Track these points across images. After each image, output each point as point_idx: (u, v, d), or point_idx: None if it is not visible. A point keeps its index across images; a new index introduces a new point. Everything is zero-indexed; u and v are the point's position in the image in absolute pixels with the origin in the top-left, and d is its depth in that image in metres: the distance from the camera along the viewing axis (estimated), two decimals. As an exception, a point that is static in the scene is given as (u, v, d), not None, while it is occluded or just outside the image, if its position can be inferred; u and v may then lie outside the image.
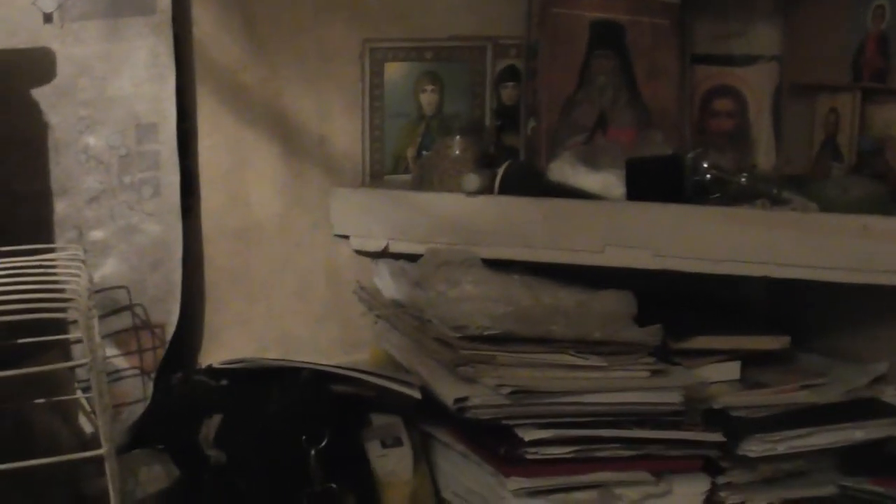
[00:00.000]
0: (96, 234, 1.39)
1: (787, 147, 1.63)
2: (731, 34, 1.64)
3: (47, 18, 1.35)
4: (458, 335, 1.27)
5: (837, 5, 1.55)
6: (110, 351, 1.39)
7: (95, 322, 0.98)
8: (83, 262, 1.19)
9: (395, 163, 1.55)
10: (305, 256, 1.51)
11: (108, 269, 1.39)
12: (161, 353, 1.41)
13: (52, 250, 1.24)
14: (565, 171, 1.47)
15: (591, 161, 1.47)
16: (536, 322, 1.30)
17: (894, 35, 1.44)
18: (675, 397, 1.29)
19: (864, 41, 1.49)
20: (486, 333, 1.26)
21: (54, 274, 1.13)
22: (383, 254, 1.48)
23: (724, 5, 1.64)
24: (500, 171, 1.45)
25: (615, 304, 1.37)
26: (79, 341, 1.29)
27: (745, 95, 1.64)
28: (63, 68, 1.36)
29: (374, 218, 1.48)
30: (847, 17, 1.52)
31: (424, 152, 1.55)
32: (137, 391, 1.40)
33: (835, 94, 1.54)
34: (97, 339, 0.97)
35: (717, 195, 1.46)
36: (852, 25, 1.51)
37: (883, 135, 1.48)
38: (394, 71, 1.52)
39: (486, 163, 1.49)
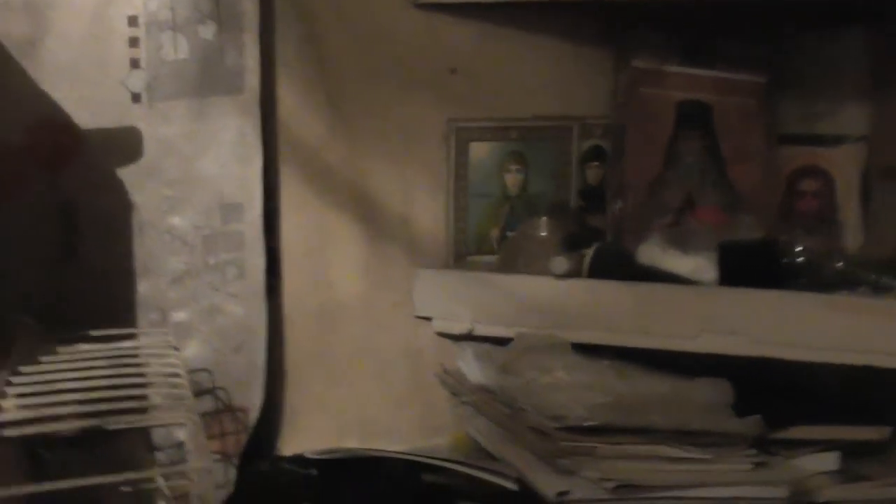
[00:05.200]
0: (179, 316, 1.36)
1: (876, 229, 1.59)
2: (819, 114, 1.62)
3: (135, 98, 1.33)
4: (557, 426, 1.23)
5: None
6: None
7: (200, 425, 0.94)
8: (176, 348, 1.16)
9: (479, 243, 1.52)
10: (387, 338, 1.47)
11: (191, 352, 1.36)
12: (244, 437, 1.37)
13: (135, 336, 1.22)
14: (655, 253, 1.44)
15: (681, 243, 1.44)
16: (635, 412, 1.26)
17: None
18: (781, 491, 1.24)
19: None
20: (585, 424, 1.22)
21: (150, 365, 1.10)
22: (467, 337, 1.45)
23: (811, 85, 1.62)
24: (590, 254, 1.43)
25: (713, 393, 1.33)
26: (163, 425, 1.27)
27: (832, 176, 1.60)
28: (149, 148, 1.34)
29: (459, 300, 1.45)
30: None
31: (509, 233, 1.52)
32: (219, 477, 1.36)
33: (928, 176, 1.51)
34: (205, 441, 0.93)
35: (810, 280, 1.44)
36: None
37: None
38: (478, 151, 1.50)
39: (572, 244, 1.46)
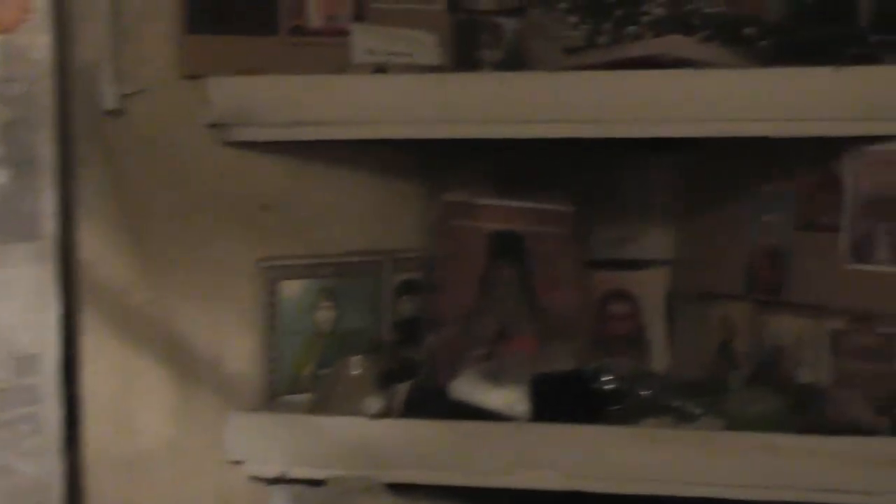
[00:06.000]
0: (-35, 480, 1.28)
1: (681, 351, 1.65)
2: (627, 239, 1.67)
3: (-81, 249, 1.27)
4: (369, 580, 1.21)
5: (726, 217, 1.59)
6: None
7: None
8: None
9: (293, 383, 1.49)
10: (198, 484, 1.42)
11: (-23, 518, 1.28)
12: None
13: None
14: (468, 388, 1.44)
15: (494, 377, 1.45)
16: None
17: (786, 248, 1.48)
18: None
19: (756, 253, 1.52)
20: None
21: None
22: (281, 480, 1.42)
23: (617, 211, 1.67)
24: (403, 392, 1.42)
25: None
26: None
27: (638, 299, 1.65)
28: (-66, 302, 1.28)
29: (272, 442, 1.42)
30: (737, 229, 1.56)
31: (323, 371, 1.49)
32: None
33: (728, 302, 1.57)
34: None
35: (620, 408, 1.46)
36: (743, 237, 1.55)
37: (778, 344, 1.50)
38: (290, 288, 1.48)
39: (387, 381, 1.45)
